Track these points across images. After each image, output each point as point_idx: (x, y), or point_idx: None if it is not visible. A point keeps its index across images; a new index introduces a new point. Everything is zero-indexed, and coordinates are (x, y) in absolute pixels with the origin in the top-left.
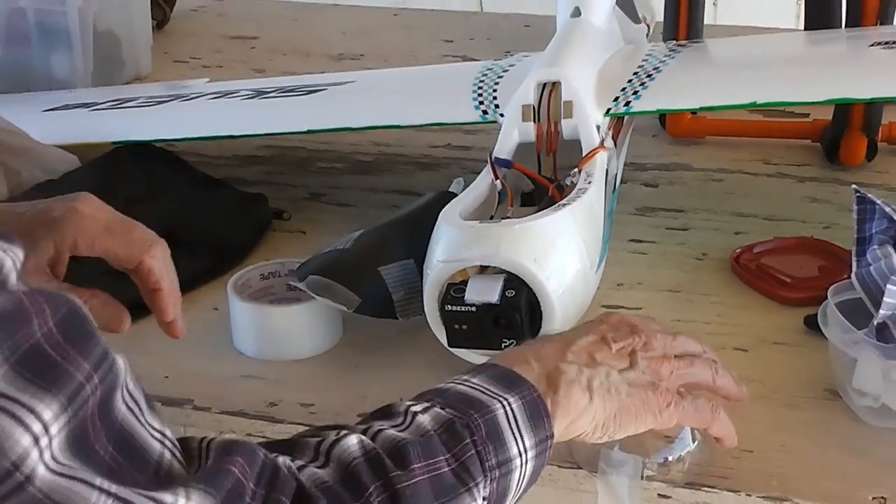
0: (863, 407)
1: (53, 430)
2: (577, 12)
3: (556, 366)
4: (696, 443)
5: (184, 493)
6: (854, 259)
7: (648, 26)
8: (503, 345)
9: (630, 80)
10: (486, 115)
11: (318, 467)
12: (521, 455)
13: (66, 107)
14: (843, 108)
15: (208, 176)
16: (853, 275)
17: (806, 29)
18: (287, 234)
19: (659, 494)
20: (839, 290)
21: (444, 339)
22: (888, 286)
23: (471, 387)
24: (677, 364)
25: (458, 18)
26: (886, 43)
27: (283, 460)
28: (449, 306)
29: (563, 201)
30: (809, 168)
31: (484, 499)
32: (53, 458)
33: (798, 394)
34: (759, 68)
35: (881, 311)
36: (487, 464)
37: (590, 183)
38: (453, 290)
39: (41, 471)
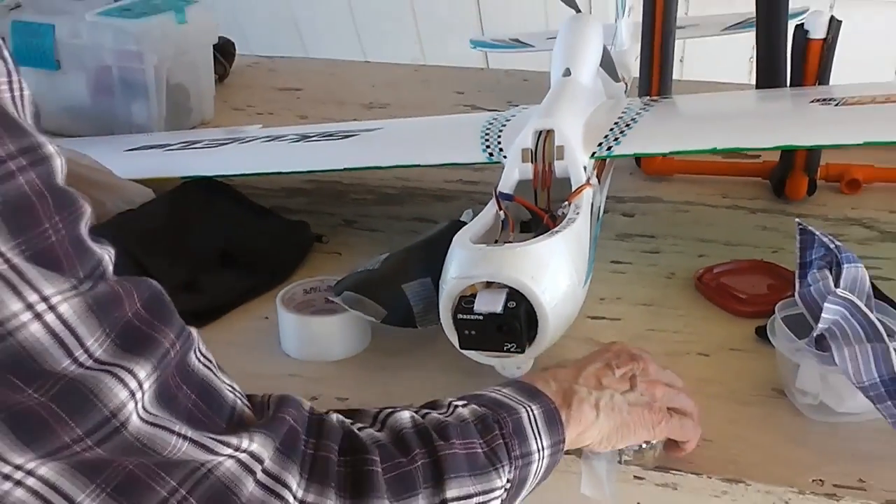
0: (804, 404)
1: (146, 385)
2: (567, 72)
3: (570, 386)
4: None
5: (247, 436)
6: (797, 280)
7: (626, 84)
8: (505, 347)
9: (612, 129)
10: (492, 157)
11: (376, 431)
12: (539, 451)
13: (144, 147)
14: (789, 152)
15: (261, 206)
16: (796, 293)
17: (757, 87)
18: (326, 255)
19: (634, 476)
20: (785, 305)
21: (456, 343)
22: (825, 304)
23: (501, 395)
24: (668, 389)
25: (468, 74)
26: (823, 100)
27: (336, 416)
28: (460, 315)
29: (556, 229)
30: (760, 201)
31: (508, 481)
32: (145, 408)
33: (750, 392)
34: (718, 120)
35: (819, 325)
36: (513, 453)
37: (578, 213)
38: (464, 302)
39: (134, 419)
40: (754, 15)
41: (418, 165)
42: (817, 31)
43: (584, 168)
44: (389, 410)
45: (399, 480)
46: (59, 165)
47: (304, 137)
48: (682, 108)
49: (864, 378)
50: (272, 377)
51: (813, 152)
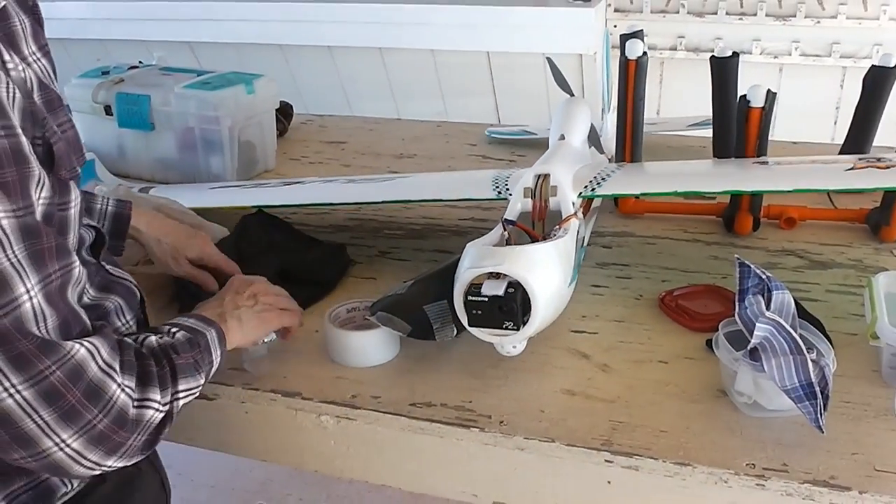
0: (741, 403)
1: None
2: (562, 137)
3: (221, 311)
4: (276, 334)
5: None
6: (737, 303)
7: (609, 158)
8: (504, 325)
9: (594, 178)
10: (500, 194)
11: (140, 346)
12: (218, 357)
13: (222, 188)
14: (736, 196)
15: (307, 235)
16: (736, 314)
17: (714, 156)
18: (364, 280)
19: (605, 460)
20: (727, 323)
21: (465, 322)
22: (757, 324)
23: (192, 323)
24: (276, 297)
25: (480, 128)
26: (760, 162)
27: (127, 340)
28: (470, 297)
29: (548, 240)
30: (714, 235)
31: (205, 376)
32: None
33: (699, 392)
34: (679, 174)
35: (753, 340)
36: (207, 360)
37: (566, 233)
38: (473, 288)
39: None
40: (710, 117)
41: (441, 200)
42: (757, 101)
43: (573, 204)
44: (143, 336)
45: (161, 378)
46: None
47: (351, 181)
48: (649, 168)
49: (787, 383)
50: (322, 379)
51: (755, 196)
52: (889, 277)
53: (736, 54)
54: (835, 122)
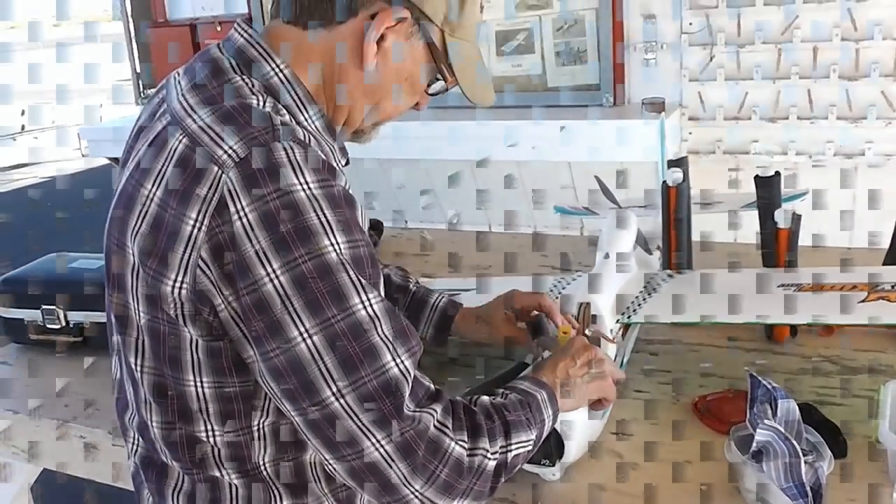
0: (750, 499)
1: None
2: (606, 256)
3: (553, 380)
4: None
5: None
6: (748, 410)
7: (660, 249)
8: (542, 462)
9: (634, 299)
10: None
11: (473, 406)
12: (548, 417)
13: None
14: None
15: None
16: (747, 420)
17: (763, 264)
18: None
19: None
20: (739, 428)
21: None
22: (758, 430)
23: (525, 386)
24: (608, 365)
25: (551, 240)
26: (786, 285)
27: (460, 400)
28: None
29: None
30: (755, 342)
31: (536, 435)
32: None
33: (716, 489)
34: (711, 298)
35: (754, 445)
36: (537, 419)
37: None
38: None
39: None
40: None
41: None
42: (784, 224)
43: (611, 330)
44: (477, 398)
45: (490, 431)
46: None
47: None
48: (688, 285)
49: (784, 483)
50: None
51: None
52: None
53: (778, 174)
54: None
